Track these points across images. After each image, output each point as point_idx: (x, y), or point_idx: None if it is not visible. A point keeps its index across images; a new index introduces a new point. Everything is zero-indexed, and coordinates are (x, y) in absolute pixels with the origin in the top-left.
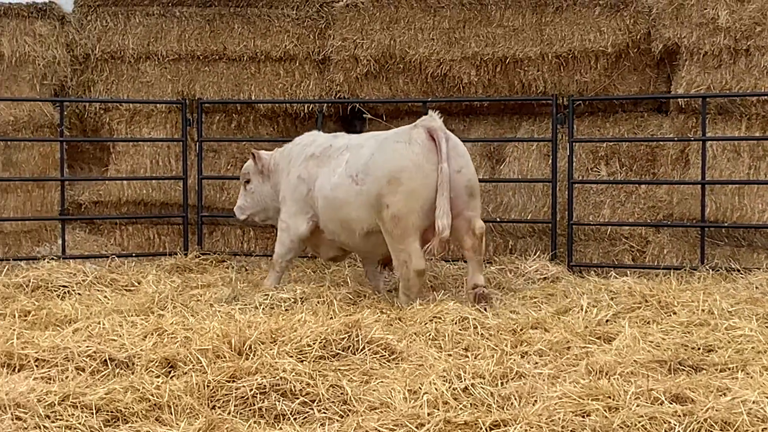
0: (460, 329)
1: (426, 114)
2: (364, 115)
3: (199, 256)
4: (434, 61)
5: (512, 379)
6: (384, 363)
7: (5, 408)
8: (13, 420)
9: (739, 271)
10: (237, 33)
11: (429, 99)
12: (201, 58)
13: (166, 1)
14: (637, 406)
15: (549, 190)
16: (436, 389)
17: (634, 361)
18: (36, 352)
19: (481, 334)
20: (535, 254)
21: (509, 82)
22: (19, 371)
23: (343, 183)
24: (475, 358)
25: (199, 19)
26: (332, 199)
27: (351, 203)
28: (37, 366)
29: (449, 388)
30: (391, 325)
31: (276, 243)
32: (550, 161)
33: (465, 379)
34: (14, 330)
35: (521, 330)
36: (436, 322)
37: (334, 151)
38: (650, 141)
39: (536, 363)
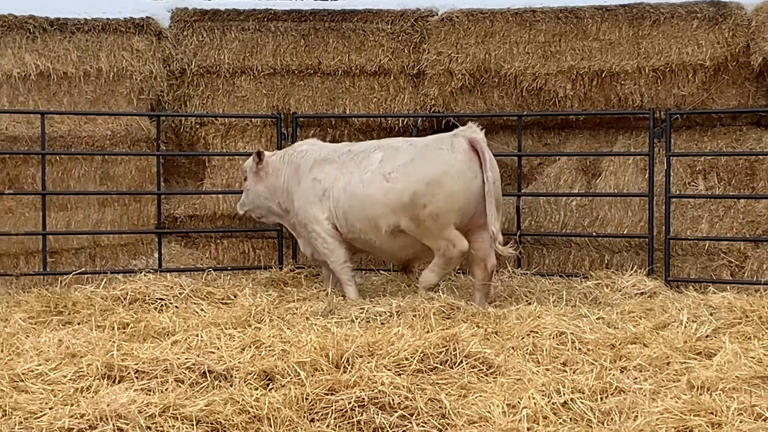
0: (557, 344)
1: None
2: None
3: (294, 270)
4: (529, 74)
5: (612, 394)
6: (482, 377)
7: (107, 419)
8: (114, 431)
9: None
10: (332, 47)
11: (524, 113)
12: (296, 72)
13: (262, 16)
14: (741, 422)
15: (646, 205)
16: (535, 404)
17: (736, 376)
18: (136, 364)
19: (579, 348)
20: (631, 269)
21: (605, 95)
22: (119, 383)
23: (374, 180)
24: (573, 372)
25: (294, 33)
26: (362, 196)
27: (380, 200)
28: (137, 377)
29: (548, 402)
30: (488, 339)
31: (324, 257)
32: (647, 175)
33: (564, 394)
34: (114, 342)
35: (620, 345)
36: (533, 337)
37: (358, 153)
38: (749, 155)
39: (636, 378)
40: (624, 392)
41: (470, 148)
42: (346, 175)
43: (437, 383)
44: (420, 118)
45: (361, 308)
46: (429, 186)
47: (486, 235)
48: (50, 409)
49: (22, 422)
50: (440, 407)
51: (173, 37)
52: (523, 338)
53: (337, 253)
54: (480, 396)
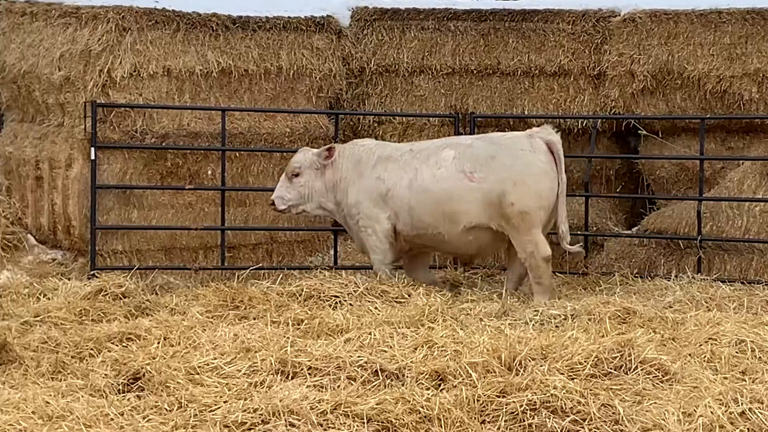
0: (737, 352)
1: (692, 131)
2: (640, 132)
3: (469, 270)
4: (713, 77)
5: None
6: (657, 384)
7: (279, 414)
8: (286, 426)
9: None
10: (511, 47)
11: (707, 116)
12: (474, 72)
13: (441, 15)
14: None
15: None
16: (711, 412)
17: None
18: (309, 361)
19: (759, 357)
20: None
21: None
22: (292, 378)
23: (451, 177)
24: (752, 382)
25: (473, 33)
26: (438, 192)
27: (461, 197)
28: (309, 374)
29: (725, 411)
30: (665, 345)
31: (369, 252)
32: None
33: (742, 404)
34: (288, 338)
35: None
36: (711, 344)
37: (421, 151)
38: None
39: None
40: None
41: (547, 150)
42: (409, 173)
43: (611, 389)
44: (600, 120)
45: (535, 311)
46: (516, 185)
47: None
48: (224, 402)
49: (196, 415)
50: (613, 413)
51: (353, 36)
52: (701, 345)
53: (385, 254)
54: (655, 403)
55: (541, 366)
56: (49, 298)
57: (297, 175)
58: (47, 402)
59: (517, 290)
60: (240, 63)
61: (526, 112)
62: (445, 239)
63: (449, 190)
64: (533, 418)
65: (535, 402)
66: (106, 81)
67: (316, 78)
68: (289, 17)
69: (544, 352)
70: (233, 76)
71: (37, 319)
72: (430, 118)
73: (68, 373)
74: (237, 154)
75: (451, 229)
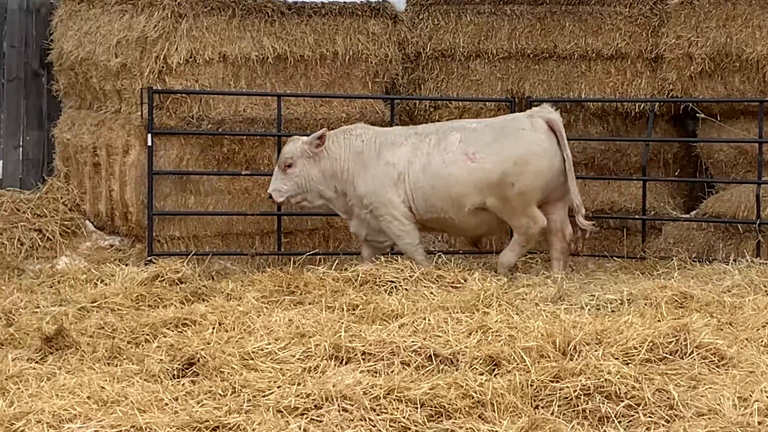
0: None
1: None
2: (698, 115)
3: (526, 255)
4: None
5: None
6: (713, 368)
7: (332, 399)
8: (339, 411)
9: None
10: (568, 31)
11: (766, 99)
12: (531, 56)
13: (497, 0)
14: None
15: None
16: (767, 397)
17: None
18: (363, 346)
19: None
20: None
21: None
22: (346, 364)
23: (457, 160)
24: None
25: (529, 17)
26: (446, 176)
27: (466, 179)
28: (363, 359)
29: None
30: (722, 329)
31: (396, 240)
32: None
33: None
34: (342, 323)
35: None
36: None
37: (429, 134)
38: None
39: None
40: None
41: (548, 128)
42: (421, 157)
43: (666, 373)
44: (657, 104)
45: (591, 295)
46: (516, 165)
47: (561, 207)
48: (278, 387)
49: (250, 400)
50: (668, 398)
51: (409, 21)
52: (758, 330)
53: (412, 234)
54: (710, 388)
55: (596, 351)
56: (106, 284)
57: (290, 166)
58: (102, 387)
59: (565, 264)
60: (296, 49)
61: (582, 96)
62: (455, 223)
63: (455, 174)
64: (587, 404)
65: (589, 387)
66: (163, 67)
67: (371, 63)
68: (344, 2)
69: (598, 337)
70: (289, 62)
71: (94, 304)
72: (486, 103)
73: (124, 359)
74: None
75: (459, 213)
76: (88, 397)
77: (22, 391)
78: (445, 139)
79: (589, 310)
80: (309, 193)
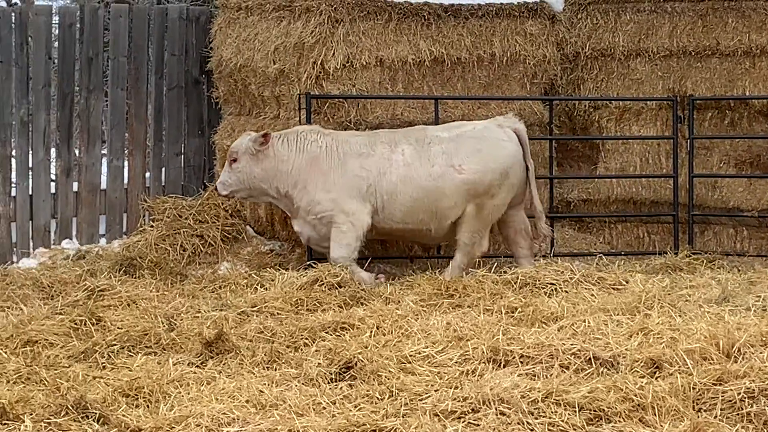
0: None
1: None
2: None
3: (690, 256)
4: None
5: None
6: None
7: (489, 403)
8: (497, 415)
9: None
10: (731, 27)
11: None
12: (692, 53)
13: None
14: None
15: None
16: None
17: None
18: (521, 349)
19: None
20: None
21: None
22: (503, 367)
23: (445, 174)
24: None
25: (690, 14)
26: (433, 189)
27: (452, 193)
28: (521, 362)
29: None
30: None
31: (334, 246)
32: None
33: None
34: (500, 326)
35: None
36: None
37: (400, 143)
38: None
39: None
40: None
41: (517, 139)
42: (398, 168)
43: None
44: None
45: (757, 296)
46: (501, 176)
47: (521, 209)
48: (435, 391)
49: (407, 403)
50: None
51: (567, 21)
52: None
53: (355, 250)
54: None
55: (761, 353)
56: (266, 289)
57: (235, 161)
58: (261, 391)
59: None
60: (452, 51)
61: (747, 93)
62: (429, 234)
63: (443, 187)
64: (751, 407)
65: (753, 390)
66: (320, 73)
67: (529, 64)
68: (501, 3)
69: (764, 339)
70: (446, 65)
71: (254, 309)
72: (648, 102)
73: (282, 363)
74: None
75: (440, 224)
76: (247, 401)
77: (183, 395)
78: (427, 150)
79: (754, 311)
80: (252, 190)
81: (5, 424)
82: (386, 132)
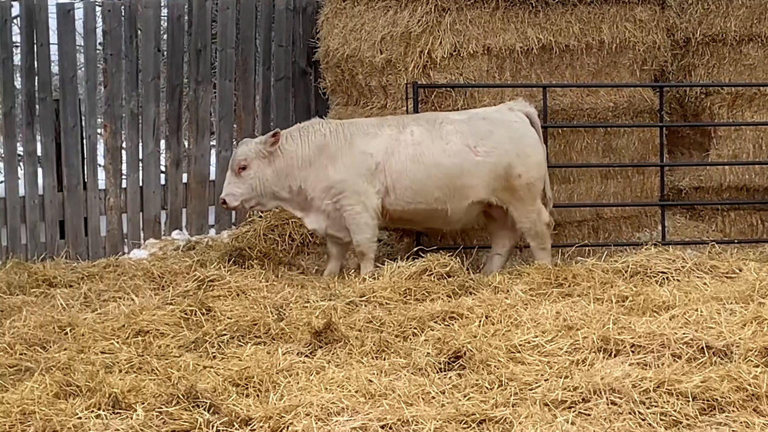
0: None
1: None
2: None
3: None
4: None
5: None
6: None
7: (600, 392)
8: (608, 405)
9: None
10: None
11: None
12: None
13: None
14: None
15: None
16: None
17: None
18: (632, 338)
19: None
20: None
21: None
22: (614, 356)
23: (461, 151)
24: None
25: None
26: (450, 166)
27: (471, 172)
28: (632, 351)
29: None
30: None
31: (355, 232)
32: None
33: None
34: (611, 315)
35: None
36: None
37: (409, 125)
38: None
39: None
40: None
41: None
42: (407, 147)
43: None
44: None
45: None
46: (519, 156)
47: None
48: (545, 380)
49: (516, 393)
50: None
51: (677, 6)
52: None
53: (374, 231)
54: None
55: None
56: (374, 279)
57: (244, 168)
58: (370, 380)
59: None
60: (560, 39)
61: None
62: (446, 214)
63: (460, 164)
64: None
65: None
66: (427, 62)
67: (639, 51)
68: None
69: None
70: (554, 52)
71: (363, 299)
72: (761, 88)
73: (391, 352)
74: (560, 131)
75: (458, 205)
76: (356, 391)
77: (292, 385)
78: (439, 129)
79: None
80: (263, 196)
81: (118, 413)
82: (394, 116)
